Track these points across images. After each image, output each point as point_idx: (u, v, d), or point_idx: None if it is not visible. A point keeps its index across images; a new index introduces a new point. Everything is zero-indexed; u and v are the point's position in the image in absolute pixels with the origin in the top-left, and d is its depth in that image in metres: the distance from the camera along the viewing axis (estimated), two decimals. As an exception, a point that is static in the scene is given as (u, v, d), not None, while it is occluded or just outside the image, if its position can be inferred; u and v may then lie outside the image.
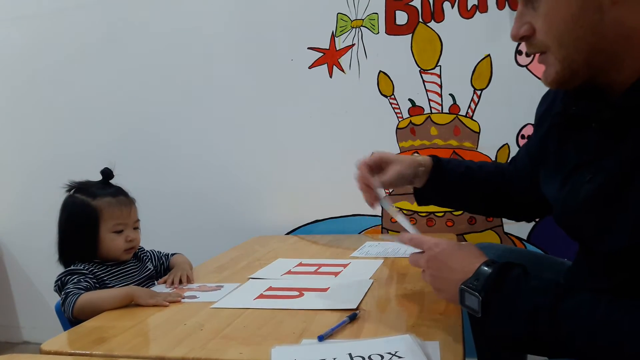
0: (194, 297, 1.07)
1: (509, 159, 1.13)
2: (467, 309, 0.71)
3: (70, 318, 1.04)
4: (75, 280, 1.10)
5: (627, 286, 0.66)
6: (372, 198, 1.02)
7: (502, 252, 1.12)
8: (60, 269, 1.17)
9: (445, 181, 1.06)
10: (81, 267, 1.14)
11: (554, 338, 0.63)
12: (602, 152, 0.70)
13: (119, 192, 1.23)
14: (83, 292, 1.06)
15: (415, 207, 1.77)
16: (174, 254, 1.35)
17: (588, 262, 0.80)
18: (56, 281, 1.14)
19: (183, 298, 1.06)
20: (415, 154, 1.13)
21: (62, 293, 1.08)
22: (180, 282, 1.18)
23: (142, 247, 1.32)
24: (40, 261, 1.27)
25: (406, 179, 1.03)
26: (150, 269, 1.27)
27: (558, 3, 0.66)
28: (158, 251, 1.34)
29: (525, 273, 0.69)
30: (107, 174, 1.24)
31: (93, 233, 1.17)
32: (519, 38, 0.72)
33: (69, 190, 1.22)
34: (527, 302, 0.65)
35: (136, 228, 1.25)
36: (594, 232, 0.71)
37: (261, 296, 1.04)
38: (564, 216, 0.79)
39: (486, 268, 0.70)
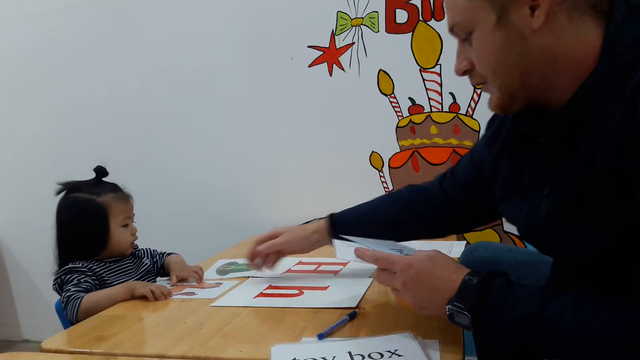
0: (192, 293, 1.07)
1: (436, 177, 1.10)
2: (457, 325, 0.71)
3: (73, 322, 1.05)
4: (75, 281, 1.10)
5: (607, 289, 0.66)
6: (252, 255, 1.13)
7: (501, 251, 1.12)
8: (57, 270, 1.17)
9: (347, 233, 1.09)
10: (80, 265, 1.14)
11: (543, 344, 0.64)
12: (555, 166, 0.71)
13: (117, 187, 1.25)
14: (83, 294, 1.06)
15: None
16: (170, 253, 1.35)
17: (563, 273, 0.80)
18: (55, 279, 1.14)
19: (174, 294, 1.07)
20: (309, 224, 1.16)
21: (63, 296, 1.09)
22: (183, 280, 1.20)
23: (136, 245, 1.32)
24: (41, 260, 1.27)
25: (297, 246, 1.12)
26: (147, 264, 1.28)
27: (485, 38, 0.71)
28: (153, 249, 1.34)
29: (508, 282, 0.69)
30: (101, 171, 1.25)
31: (104, 229, 1.18)
32: (461, 73, 0.78)
33: (61, 191, 1.22)
34: (513, 312, 0.66)
35: (133, 222, 1.27)
36: (560, 244, 0.72)
37: (261, 294, 1.04)
38: (529, 234, 0.80)
39: (469, 281, 0.70)
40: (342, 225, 1.11)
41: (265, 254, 1.12)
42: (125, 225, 1.22)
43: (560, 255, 0.78)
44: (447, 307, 0.70)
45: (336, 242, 0.99)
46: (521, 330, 0.65)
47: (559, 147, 0.71)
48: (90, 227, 1.18)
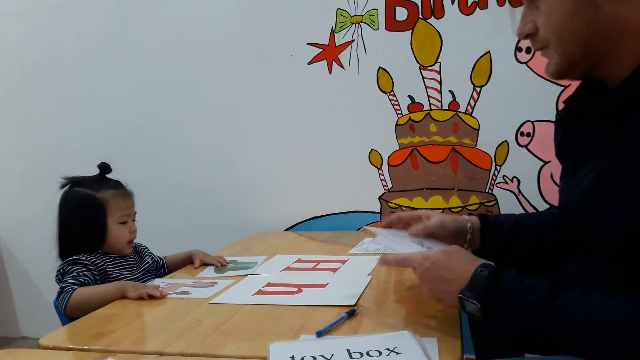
0: (187, 292, 1.07)
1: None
2: (468, 314, 0.73)
3: (63, 314, 1.05)
4: (74, 273, 1.10)
5: (630, 283, 0.66)
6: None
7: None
8: (59, 264, 1.17)
9: (498, 237, 0.99)
10: (83, 258, 1.14)
11: (549, 334, 0.65)
12: (604, 144, 0.70)
13: (119, 184, 1.25)
14: (77, 287, 1.06)
15: (412, 204, 1.77)
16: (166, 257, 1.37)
17: (590, 259, 0.79)
18: (58, 271, 1.14)
19: (169, 293, 1.06)
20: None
21: (59, 286, 1.09)
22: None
23: (143, 245, 1.33)
24: (39, 257, 1.27)
25: (448, 229, 0.97)
26: (149, 262, 1.28)
27: (555, 1, 0.71)
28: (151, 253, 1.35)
29: (518, 273, 0.70)
30: (104, 168, 1.25)
31: (101, 225, 1.18)
32: (524, 36, 0.77)
33: (64, 186, 1.22)
34: (521, 301, 0.67)
35: (134, 220, 1.26)
36: (593, 223, 0.71)
37: (260, 292, 1.04)
38: (568, 209, 0.80)
39: (481, 272, 0.72)
40: (492, 224, 0.99)
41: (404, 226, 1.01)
42: (124, 223, 1.21)
43: (591, 234, 0.76)
44: (459, 296, 0.72)
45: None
46: (528, 319, 0.66)
47: (610, 125, 0.70)
48: (87, 222, 1.18)
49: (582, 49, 0.71)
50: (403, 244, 0.93)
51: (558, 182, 0.89)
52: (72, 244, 1.18)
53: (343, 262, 1.26)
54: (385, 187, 1.81)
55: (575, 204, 0.75)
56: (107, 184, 1.22)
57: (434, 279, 0.78)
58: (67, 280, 1.08)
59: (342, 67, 1.80)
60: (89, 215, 1.18)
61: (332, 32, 1.79)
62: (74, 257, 1.14)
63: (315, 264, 1.26)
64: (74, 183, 1.22)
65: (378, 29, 1.75)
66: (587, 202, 0.72)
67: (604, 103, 0.72)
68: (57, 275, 1.14)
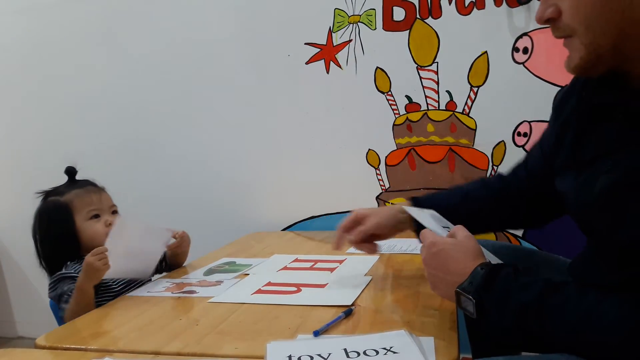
0: (193, 292, 1.07)
1: (515, 164, 1.04)
2: (463, 310, 0.73)
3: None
4: (65, 297, 1.08)
5: (634, 282, 0.65)
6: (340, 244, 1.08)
7: (497, 249, 1.12)
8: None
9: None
10: (71, 271, 1.13)
11: (543, 333, 0.65)
12: (625, 143, 0.66)
13: (87, 183, 1.24)
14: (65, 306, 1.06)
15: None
16: None
17: (598, 255, 0.77)
18: (49, 288, 1.13)
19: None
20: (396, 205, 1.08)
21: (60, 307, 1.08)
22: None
23: None
24: (36, 257, 1.26)
25: (386, 228, 1.04)
26: None
27: None
28: None
29: (515, 271, 0.70)
30: (70, 171, 1.24)
31: (70, 226, 1.16)
32: (543, 21, 0.68)
33: (43, 200, 1.22)
34: (516, 299, 0.66)
35: (115, 212, 1.24)
36: (608, 225, 0.69)
37: (259, 291, 1.04)
38: (577, 208, 0.76)
39: (480, 270, 0.72)
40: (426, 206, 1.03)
41: (358, 242, 1.06)
42: (96, 217, 1.19)
43: (603, 237, 0.73)
44: (456, 290, 0.72)
45: (410, 209, 1.00)
46: (521, 317, 0.65)
47: (634, 124, 0.65)
48: (55, 228, 1.17)
49: (613, 41, 0.62)
50: (429, 221, 0.93)
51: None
52: (53, 256, 1.16)
53: (340, 261, 1.26)
54: (382, 187, 1.82)
55: (587, 203, 0.71)
56: (74, 186, 1.21)
57: (436, 266, 0.78)
58: (63, 307, 1.07)
59: (339, 67, 1.80)
60: (55, 221, 1.16)
61: (330, 32, 1.79)
62: (62, 272, 1.12)
63: (313, 263, 1.26)
64: (45, 195, 1.21)
65: (375, 29, 1.75)
66: (603, 204, 0.68)
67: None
68: (51, 292, 1.13)
